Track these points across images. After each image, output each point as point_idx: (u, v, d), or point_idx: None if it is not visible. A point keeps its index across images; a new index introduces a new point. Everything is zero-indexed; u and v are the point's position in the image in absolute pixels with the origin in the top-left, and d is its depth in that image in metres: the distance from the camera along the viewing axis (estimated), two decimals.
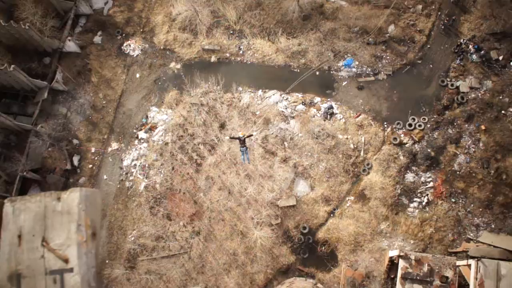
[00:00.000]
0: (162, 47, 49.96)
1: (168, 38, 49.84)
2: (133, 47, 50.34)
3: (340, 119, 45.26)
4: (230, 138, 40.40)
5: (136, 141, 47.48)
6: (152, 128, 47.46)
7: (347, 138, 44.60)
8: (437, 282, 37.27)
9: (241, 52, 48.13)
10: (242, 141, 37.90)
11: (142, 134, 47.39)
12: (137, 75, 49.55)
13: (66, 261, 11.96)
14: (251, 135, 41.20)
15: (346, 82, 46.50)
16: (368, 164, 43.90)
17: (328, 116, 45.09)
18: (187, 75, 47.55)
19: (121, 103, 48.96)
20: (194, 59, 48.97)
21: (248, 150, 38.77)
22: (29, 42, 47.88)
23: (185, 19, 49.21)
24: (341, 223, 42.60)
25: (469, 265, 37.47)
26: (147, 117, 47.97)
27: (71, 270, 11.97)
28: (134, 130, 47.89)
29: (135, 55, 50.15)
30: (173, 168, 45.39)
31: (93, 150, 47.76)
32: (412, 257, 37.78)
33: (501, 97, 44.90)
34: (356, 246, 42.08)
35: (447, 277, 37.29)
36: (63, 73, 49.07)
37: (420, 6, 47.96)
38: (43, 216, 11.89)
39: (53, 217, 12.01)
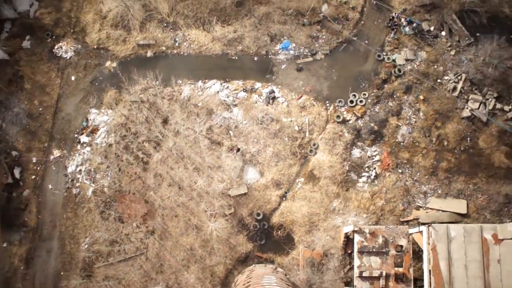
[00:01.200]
0: (95, 47, 48.40)
1: (101, 37, 48.30)
2: (65, 49, 48.53)
3: (283, 102, 45.40)
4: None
5: (79, 146, 46.16)
6: (94, 131, 46.19)
7: (291, 121, 44.85)
8: (392, 251, 38.30)
9: (177, 44, 47.29)
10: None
11: (84, 138, 46.06)
12: (73, 78, 47.89)
13: None
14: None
15: (285, 65, 46.54)
16: (314, 145, 44.35)
17: (270, 101, 45.17)
18: (124, 73, 46.20)
19: (58, 108, 47.31)
20: (129, 55, 47.79)
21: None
22: None
23: (117, 15, 47.79)
24: (294, 206, 43.00)
25: (421, 232, 38.71)
26: (87, 120, 46.59)
27: None
28: (76, 135, 46.48)
29: (68, 57, 48.44)
30: (120, 169, 44.43)
31: (34, 160, 46.08)
32: (366, 230, 38.56)
33: (435, 67, 46.18)
34: (311, 226, 42.59)
35: (401, 246, 38.36)
36: None
37: None
38: None
39: None
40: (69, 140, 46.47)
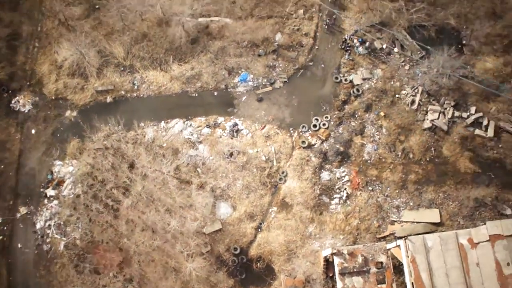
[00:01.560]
0: (53, 97, 47.85)
1: (58, 87, 47.84)
2: (23, 102, 47.83)
3: (247, 134, 45.62)
4: None
5: (46, 200, 45.10)
6: (60, 183, 45.32)
7: (257, 152, 44.98)
8: (373, 269, 38.45)
9: (135, 87, 47.23)
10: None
11: (50, 192, 45.10)
12: (33, 131, 47.09)
13: None
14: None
15: (245, 97, 46.95)
16: (283, 172, 44.50)
17: (235, 134, 45.35)
18: (85, 121, 45.74)
19: (21, 164, 46.31)
20: (89, 103, 47.37)
21: None
22: None
23: (72, 63, 47.55)
24: (270, 236, 42.77)
25: (398, 246, 39.01)
26: (52, 172, 45.71)
27: None
28: (41, 189, 45.46)
29: (26, 111, 47.73)
30: (90, 220, 43.52)
31: (0, 220, 44.66)
32: (345, 251, 38.69)
33: (392, 83, 47.37)
34: (289, 254, 42.36)
35: (381, 263, 38.58)
36: None
37: (301, 11, 49.67)
38: None
39: None
40: (35, 196, 45.33)
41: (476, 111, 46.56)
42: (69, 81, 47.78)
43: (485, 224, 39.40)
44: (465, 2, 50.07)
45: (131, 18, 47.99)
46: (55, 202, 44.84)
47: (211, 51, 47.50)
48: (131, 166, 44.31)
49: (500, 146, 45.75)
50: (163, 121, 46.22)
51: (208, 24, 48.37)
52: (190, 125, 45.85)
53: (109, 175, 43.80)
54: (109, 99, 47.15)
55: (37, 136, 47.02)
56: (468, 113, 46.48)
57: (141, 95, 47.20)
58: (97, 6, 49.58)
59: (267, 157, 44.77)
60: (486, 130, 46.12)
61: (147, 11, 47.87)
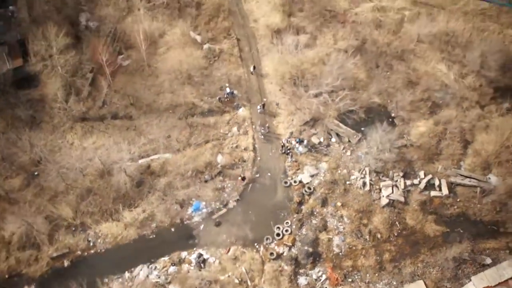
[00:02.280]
0: (7, 276, 44.91)
1: (10, 264, 45.05)
2: None
3: (214, 261, 44.38)
4: None
5: None
6: None
7: (229, 276, 43.60)
8: None
9: (91, 244, 45.61)
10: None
11: None
12: None
13: None
14: None
15: (203, 225, 46.33)
16: None
17: (202, 265, 44.04)
18: None
19: None
20: (46, 272, 44.87)
21: None
22: None
23: (21, 236, 45.67)
24: None
25: None
26: None
27: None
28: None
29: None
30: None
31: None
32: None
33: (339, 171, 48.62)
34: None
35: None
36: None
37: (235, 128, 51.44)
38: None
39: None
40: None
41: (425, 175, 48.23)
42: (20, 255, 45.51)
43: (471, 280, 39.27)
44: (381, 79, 53.82)
45: (73, 176, 47.59)
46: None
47: (158, 189, 47.38)
48: None
49: (458, 200, 47.17)
50: (126, 272, 44.19)
51: (149, 164, 48.79)
52: (155, 267, 44.07)
53: None
54: (66, 263, 44.99)
55: None
56: (418, 179, 48.02)
57: (99, 250, 45.41)
58: (36, 173, 48.99)
59: (240, 279, 43.34)
60: (440, 190, 47.60)
61: (87, 166, 47.86)
